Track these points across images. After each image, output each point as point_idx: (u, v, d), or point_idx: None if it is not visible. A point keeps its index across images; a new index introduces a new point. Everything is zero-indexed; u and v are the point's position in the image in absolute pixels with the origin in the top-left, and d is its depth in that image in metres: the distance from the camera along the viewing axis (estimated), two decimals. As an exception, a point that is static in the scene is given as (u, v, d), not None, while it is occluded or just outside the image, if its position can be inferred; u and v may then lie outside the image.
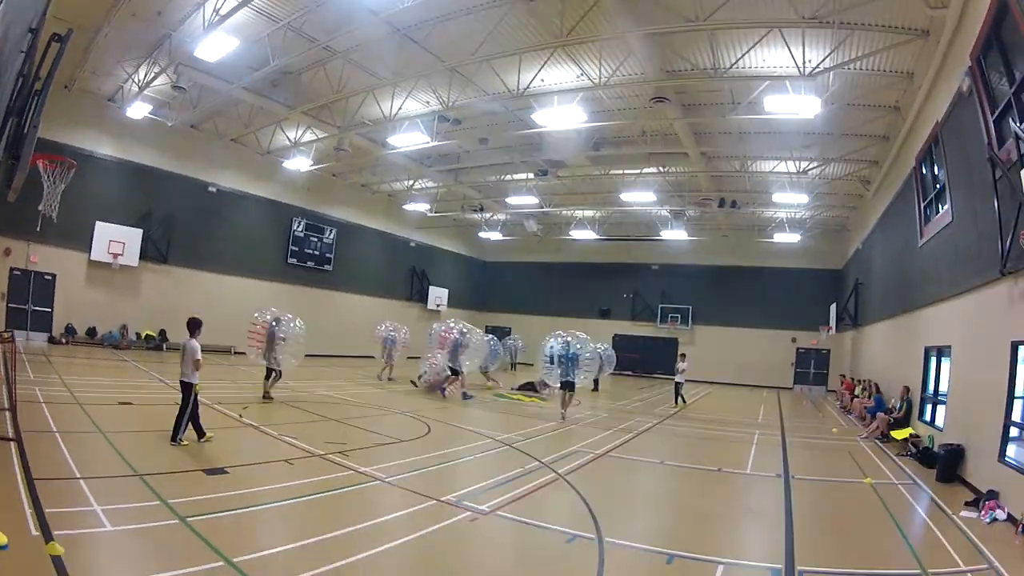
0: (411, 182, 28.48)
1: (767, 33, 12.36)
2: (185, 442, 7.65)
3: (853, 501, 7.99)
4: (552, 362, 14.31)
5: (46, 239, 17.70)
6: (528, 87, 15.52)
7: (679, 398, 18.71)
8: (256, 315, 13.04)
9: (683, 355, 19.77)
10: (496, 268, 40.45)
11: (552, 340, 14.70)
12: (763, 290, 31.62)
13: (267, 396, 12.37)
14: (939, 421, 11.18)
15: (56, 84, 6.19)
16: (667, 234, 29.55)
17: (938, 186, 12.09)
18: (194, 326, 8.06)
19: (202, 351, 7.93)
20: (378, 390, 16.60)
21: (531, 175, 24.03)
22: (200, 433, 7.90)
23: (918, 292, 13.43)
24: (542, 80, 15.53)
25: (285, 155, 23.69)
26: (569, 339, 14.42)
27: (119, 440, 7.46)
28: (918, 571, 5.24)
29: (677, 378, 18.85)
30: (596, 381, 20.41)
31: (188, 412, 7.69)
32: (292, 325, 13.00)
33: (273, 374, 12.55)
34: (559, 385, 14.21)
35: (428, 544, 5.14)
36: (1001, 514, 6.92)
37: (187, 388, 7.75)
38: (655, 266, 34.82)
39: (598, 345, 15.41)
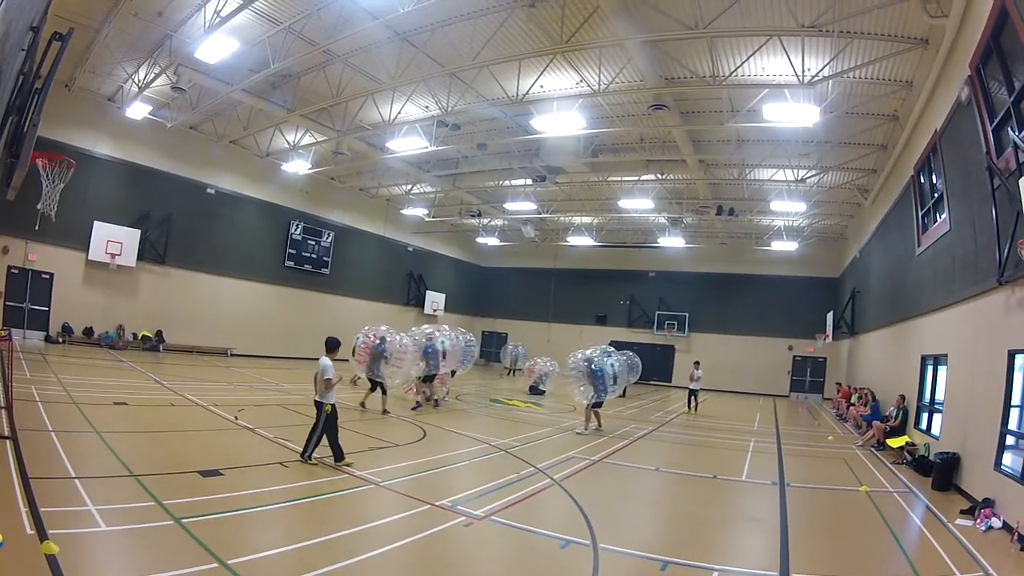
0: (409, 187, 28.53)
1: (766, 41, 12.43)
2: (314, 461, 7.46)
3: (848, 509, 7.98)
4: (611, 381, 12.91)
5: (44, 238, 17.69)
6: (527, 93, 15.55)
7: (695, 405, 18.93)
8: (362, 335, 13.17)
9: (697, 363, 19.67)
10: (493, 273, 40.41)
11: (598, 355, 13.07)
12: (760, 298, 31.63)
13: (385, 411, 12.49)
14: (935, 429, 11.19)
15: (56, 83, 6.19)
16: (664, 241, 29.61)
17: (936, 195, 12.14)
18: (330, 345, 7.88)
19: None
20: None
21: (529, 181, 24.05)
22: (338, 455, 7.56)
23: (915, 301, 13.46)
24: (541, 86, 15.56)
25: (284, 158, 23.76)
26: (594, 355, 13.03)
27: (114, 440, 7.42)
28: (914, 579, 5.24)
29: (692, 385, 18.88)
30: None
31: (318, 430, 7.46)
32: (399, 343, 13.15)
33: (379, 388, 12.78)
34: (591, 404, 12.74)
35: (422, 549, 5.12)
36: (997, 522, 6.92)
37: (317, 407, 7.53)
38: (652, 273, 34.81)
39: (624, 353, 13.54)
